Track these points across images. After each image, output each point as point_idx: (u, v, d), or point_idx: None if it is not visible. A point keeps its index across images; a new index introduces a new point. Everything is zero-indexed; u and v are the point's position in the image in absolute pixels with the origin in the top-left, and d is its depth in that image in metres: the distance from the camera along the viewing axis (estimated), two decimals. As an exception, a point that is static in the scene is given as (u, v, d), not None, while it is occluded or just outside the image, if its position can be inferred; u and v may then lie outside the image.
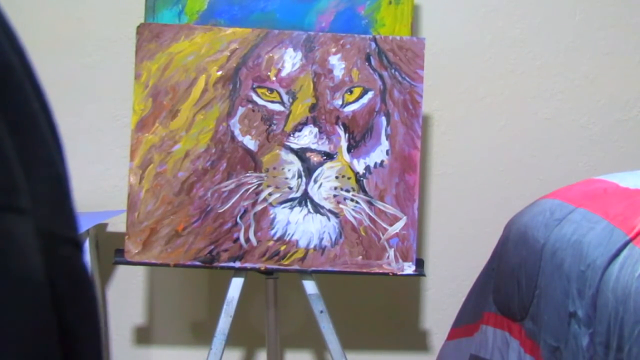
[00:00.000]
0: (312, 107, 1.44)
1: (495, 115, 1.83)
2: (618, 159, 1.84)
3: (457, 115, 1.83)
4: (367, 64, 1.44)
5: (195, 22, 1.52)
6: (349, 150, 1.44)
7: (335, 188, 1.44)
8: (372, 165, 1.44)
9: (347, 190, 1.44)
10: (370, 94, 1.44)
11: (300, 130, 1.44)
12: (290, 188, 1.43)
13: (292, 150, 1.44)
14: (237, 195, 1.43)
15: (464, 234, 1.85)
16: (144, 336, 1.81)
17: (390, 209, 1.44)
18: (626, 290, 0.96)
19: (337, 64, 1.44)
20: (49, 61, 1.70)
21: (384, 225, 1.44)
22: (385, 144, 1.45)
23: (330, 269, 1.43)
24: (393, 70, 1.44)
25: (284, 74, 1.44)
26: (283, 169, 1.43)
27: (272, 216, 1.43)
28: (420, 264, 1.46)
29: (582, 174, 1.53)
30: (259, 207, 1.43)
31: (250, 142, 1.44)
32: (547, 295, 1.17)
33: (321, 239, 1.43)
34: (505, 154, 1.84)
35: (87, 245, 1.59)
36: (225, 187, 1.43)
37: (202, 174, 1.43)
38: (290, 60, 1.44)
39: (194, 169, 1.43)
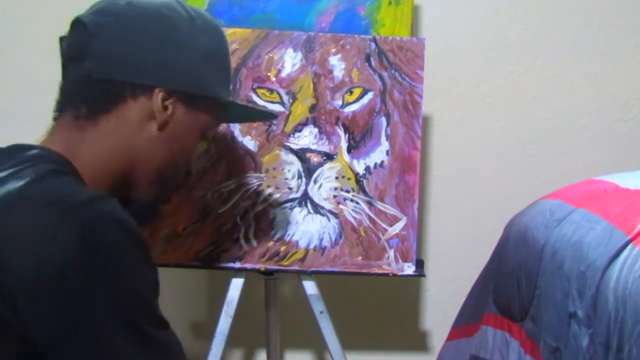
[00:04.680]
0: (312, 108, 1.44)
1: (495, 115, 1.83)
2: (618, 159, 1.84)
3: (457, 115, 1.83)
4: (367, 64, 1.44)
5: (195, 22, 1.52)
6: (349, 150, 1.44)
7: (335, 188, 1.44)
8: (372, 165, 1.44)
9: (347, 191, 1.44)
10: (370, 95, 1.44)
11: (300, 131, 1.44)
12: (290, 188, 1.43)
13: (292, 150, 1.44)
14: (237, 196, 1.43)
15: (464, 234, 1.85)
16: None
17: (390, 210, 1.44)
18: (626, 290, 0.95)
19: (337, 65, 1.44)
20: (50, 61, 1.70)
21: (384, 226, 1.44)
22: (385, 145, 1.45)
23: (330, 269, 1.43)
24: (393, 71, 1.44)
25: (284, 74, 1.44)
26: (283, 169, 1.43)
27: (272, 217, 1.43)
28: (420, 264, 1.46)
29: (582, 174, 1.52)
30: (259, 208, 1.43)
31: (250, 143, 1.44)
32: (547, 296, 1.17)
33: (321, 240, 1.43)
34: (505, 154, 1.84)
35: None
36: (225, 187, 1.43)
37: (202, 174, 1.43)
38: (290, 60, 1.44)
39: (193, 169, 1.43)
